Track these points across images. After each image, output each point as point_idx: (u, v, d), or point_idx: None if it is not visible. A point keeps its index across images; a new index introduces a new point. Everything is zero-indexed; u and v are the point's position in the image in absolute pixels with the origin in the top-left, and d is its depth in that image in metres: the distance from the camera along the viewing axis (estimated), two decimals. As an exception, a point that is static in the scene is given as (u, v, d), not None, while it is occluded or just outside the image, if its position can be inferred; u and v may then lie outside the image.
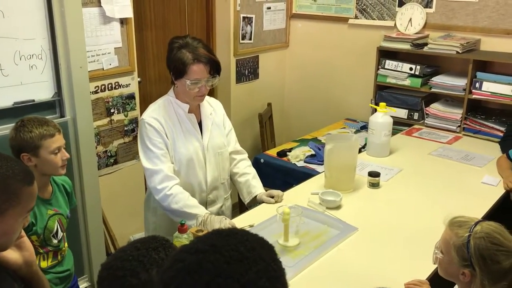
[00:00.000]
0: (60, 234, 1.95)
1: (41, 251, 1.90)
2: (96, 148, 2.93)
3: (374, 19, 3.82)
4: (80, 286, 2.69)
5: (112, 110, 3.04)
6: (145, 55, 3.36)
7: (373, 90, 3.68)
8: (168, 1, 3.46)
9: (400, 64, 3.51)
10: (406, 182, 2.61)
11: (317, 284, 1.77)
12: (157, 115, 2.14)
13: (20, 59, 2.33)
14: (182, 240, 1.83)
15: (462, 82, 3.28)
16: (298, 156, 3.23)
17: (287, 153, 3.29)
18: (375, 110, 2.96)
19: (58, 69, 2.47)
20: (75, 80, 2.51)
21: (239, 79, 3.93)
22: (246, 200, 2.38)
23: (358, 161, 2.59)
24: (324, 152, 2.52)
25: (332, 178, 2.47)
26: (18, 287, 1.34)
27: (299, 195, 2.41)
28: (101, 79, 2.93)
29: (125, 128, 3.14)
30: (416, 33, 3.58)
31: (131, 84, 3.11)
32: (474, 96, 3.25)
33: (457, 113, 3.37)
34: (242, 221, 2.15)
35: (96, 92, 2.92)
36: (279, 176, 3.11)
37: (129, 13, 2.95)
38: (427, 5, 3.55)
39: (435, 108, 3.47)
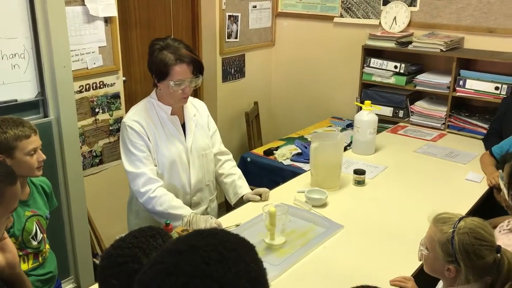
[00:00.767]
0: (39, 235, 1.90)
1: (20, 253, 1.83)
2: (81, 148, 2.90)
3: (359, 17, 3.84)
4: (66, 287, 2.68)
5: (97, 110, 3.02)
6: (130, 54, 3.34)
7: (359, 88, 3.70)
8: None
9: (385, 62, 3.53)
10: (391, 179, 2.63)
11: (303, 282, 1.77)
12: (138, 118, 2.12)
13: (2, 58, 2.30)
14: (167, 240, 1.82)
15: (446, 80, 3.32)
16: (284, 154, 3.24)
17: (274, 151, 3.30)
18: (361, 108, 2.98)
19: (41, 69, 2.44)
20: (58, 80, 2.48)
21: (225, 78, 3.92)
22: (233, 201, 2.37)
23: (344, 159, 2.60)
24: (309, 150, 2.52)
25: (318, 176, 2.48)
26: (0, 289, 1.33)
27: (285, 193, 2.42)
28: (85, 78, 2.91)
29: (110, 128, 3.11)
30: (400, 32, 3.60)
31: (116, 83, 3.08)
32: (458, 94, 3.28)
33: (441, 110, 3.40)
34: (228, 221, 2.15)
35: (80, 91, 2.90)
36: (266, 174, 3.12)
37: (113, 11, 2.92)
38: (412, 3, 3.57)
39: (420, 106, 3.50)
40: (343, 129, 3.75)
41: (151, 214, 2.12)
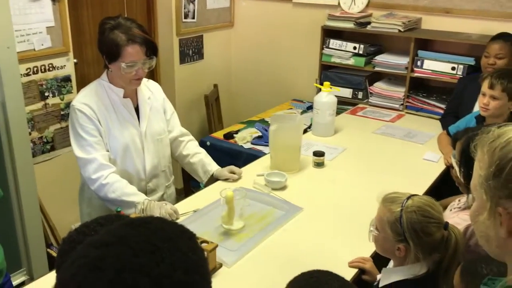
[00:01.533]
0: None
1: None
2: (30, 134, 2.76)
3: (318, -2, 3.79)
4: (17, 280, 2.56)
5: (46, 94, 2.87)
6: (81, 35, 3.19)
7: (318, 69, 3.68)
8: (104, -23, 3.29)
9: (344, 43, 3.51)
10: (350, 161, 2.63)
11: (263, 266, 1.74)
12: (88, 101, 2.02)
13: None
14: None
15: (404, 60, 3.33)
16: (245, 138, 3.19)
17: (234, 135, 3.24)
18: (320, 90, 2.95)
19: (-18, 50, 2.28)
20: (2, 62, 2.32)
21: (183, 60, 3.82)
22: (204, 179, 2.33)
23: (304, 141, 2.58)
24: (269, 133, 2.48)
25: (277, 159, 2.44)
26: None
27: (245, 177, 2.37)
28: (33, 60, 2.75)
29: (62, 113, 2.98)
30: (359, 12, 3.58)
31: (67, 65, 2.94)
32: (416, 74, 3.30)
33: (399, 91, 3.42)
34: (185, 206, 2.09)
35: (27, 74, 2.74)
36: (226, 158, 3.06)
37: (61, -11, 2.77)
38: (370, -16, 3.55)
39: (379, 87, 3.51)
40: (303, 112, 3.73)
41: (103, 201, 2.03)
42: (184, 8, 3.69)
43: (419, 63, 3.27)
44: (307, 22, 3.85)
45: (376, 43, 3.58)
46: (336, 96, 2.96)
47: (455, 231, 1.40)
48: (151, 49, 2.00)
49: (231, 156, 3.09)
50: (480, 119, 2.50)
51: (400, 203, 1.40)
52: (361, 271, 1.72)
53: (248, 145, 3.12)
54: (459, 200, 1.95)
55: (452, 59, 3.18)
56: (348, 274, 1.67)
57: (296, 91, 4.07)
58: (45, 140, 2.92)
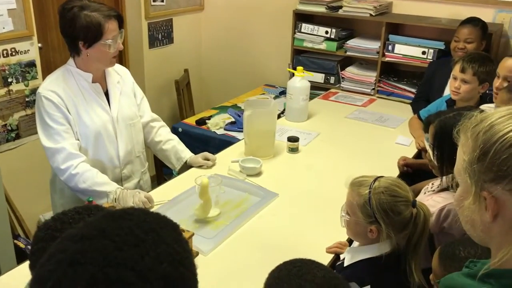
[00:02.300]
0: None
1: None
2: (-7, 122, 2.65)
3: (289, -19, 3.75)
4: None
5: (9, 80, 2.75)
6: (46, 18, 3.06)
7: (291, 54, 3.65)
8: (68, -42, 3.15)
9: (316, 27, 3.49)
10: (324, 146, 2.63)
11: (240, 253, 1.72)
12: (55, 88, 1.94)
13: None
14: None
15: (375, 45, 3.34)
16: (217, 124, 3.15)
17: (206, 121, 3.20)
18: (293, 75, 2.93)
19: None
20: (-40, 46, 2.22)
21: (152, 44, 3.72)
22: (177, 166, 2.29)
23: (278, 127, 2.56)
24: (243, 119, 2.45)
25: (251, 144, 2.42)
26: None
27: (219, 163, 2.34)
28: (-6, 44, 2.63)
29: (27, 99, 2.86)
30: (331, -4, 3.56)
31: (31, 50, 2.82)
32: (387, 59, 3.32)
33: (371, 76, 3.44)
34: (159, 194, 2.04)
35: (-11, 59, 2.62)
36: (199, 145, 3.02)
37: (22, -30, 2.64)
38: (342, -33, 3.53)
39: (350, 71, 3.52)
40: (276, 97, 3.71)
41: (74, 192, 1.97)
42: (153, -9, 3.58)
43: (390, 47, 3.29)
44: (279, 5, 3.81)
45: (347, 27, 3.58)
46: (308, 81, 2.94)
47: (424, 208, 1.43)
48: (121, 22, 1.98)
49: (203, 143, 3.05)
50: (451, 103, 2.53)
51: (368, 186, 1.42)
52: (338, 257, 1.72)
53: (221, 131, 3.08)
54: (432, 184, 1.98)
55: (422, 44, 3.21)
56: (325, 259, 1.67)
57: (268, 76, 4.04)
58: (9, 128, 2.80)
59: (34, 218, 3.12)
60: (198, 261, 1.67)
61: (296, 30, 3.56)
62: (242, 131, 2.71)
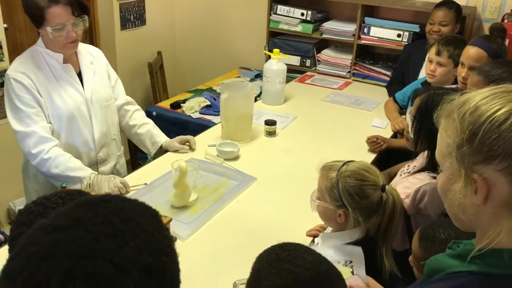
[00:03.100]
0: None
1: None
2: (-42, 106, 2.53)
3: (264, -38, 3.69)
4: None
5: (-26, 62, 2.63)
6: (11, -2, 2.93)
7: (266, 36, 3.61)
8: None
9: (292, 9, 3.46)
10: (301, 129, 2.62)
11: (218, 238, 1.70)
12: (24, 69, 1.86)
13: None
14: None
15: (351, 27, 3.33)
16: (193, 107, 3.10)
17: (181, 104, 3.15)
18: (269, 57, 2.90)
19: None
20: None
21: (124, 26, 3.62)
22: (152, 151, 2.24)
23: (254, 110, 2.54)
24: (219, 102, 2.41)
25: (229, 128, 2.39)
26: None
27: (196, 148, 2.30)
28: (-44, 25, 2.50)
29: (-7, 82, 2.75)
30: (306, -22, 3.53)
31: (-4, 31, 2.70)
32: (362, 42, 3.32)
33: (347, 59, 3.43)
34: (134, 179, 2.00)
35: (-49, 40, 2.49)
36: (174, 129, 2.96)
37: None
38: None
39: (326, 54, 3.50)
40: (252, 80, 3.67)
41: (47, 177, 1.90)
42: (124, -30, 3.47)
43: (366, 30, 3.28)
44: (254, -13, 3.75)
45: (323, 9, 3.55)
46: (285, 63, 2.92)
47: (393, 193, 1.43)
48: (79, 8, 1.85)
49: (178, 127, 2.99)
50: (426, 86, 2.55)
51: (336, 170, 1.41)
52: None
53: (196, 115, 3.04)
54: (408, 166, 1.99)
55: (398, 26, 3.21)
56: (304, 242, 1.66)
57: (244, 58, 3.99)
58: (-25, 112, 2.69)
59: (5, 204, 3.03)
60: (176, 246, 1.63)
61: (272, 12, 3.52)
62: (218, 115, 2.67)
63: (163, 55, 3.97)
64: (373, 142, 2.36)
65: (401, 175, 1.98)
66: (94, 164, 2.04)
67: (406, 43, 3.17)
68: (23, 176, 2.10)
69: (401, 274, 1.43)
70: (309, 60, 3.55)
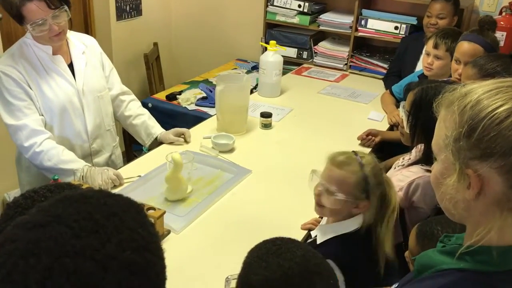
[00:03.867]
0: None
1: None
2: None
3: (262, -48, 3.66)
4: None
5: (-33, 52, 2.61)
6: (5, -13, 2.89)
7: (263, 28, 3.59)
8: None
9: (289, 1, 3.43)
10: (297, 121, 2.61)
11: (213, 231, 1.70)
12: (13, 63, 1.83)
13: None
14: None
15: (348, 19, 3.31)
16: (188, 99, 3.08)
17: (177, 96, 3.13)
18: (266, 49, 2.88)
19: None
20: None
21: (120, 16, 3.59)
22: (147, 142, 2.23)
23: (250, 102, 2.52)
24: (215, 94, 2.40)
25: (224, 120, 2.37)
26: None
27: (191, 140, 2.29)
28: (-52, 14, 2.47)
29: (-13, 73, 2.72)
30: (304, -31, 3.49)
31: (-11, 21, 2.67)
32: (360, 34, 3.30)
33: (344, 51, 3.41)
34: (129, 171, 1.99)
35: None
36: (169, 121, 2.94)
37: None
38: None
39: (323, 46, 3.48)
40: (248, 72, 3.65)
41: (40, 170, 1.89)
42: (120, -40, 3.44)
43: (363, 22, 3.26)
44: (251, -22, 3.72)
45: (320, 1, 3.53)
46: (281, 55, 2.90)
47: (390, 183, 1.47)
48: (56, 0, 1.76)
49: (174, 118, 2.98)
50: (421, 79, 2.53)
51: (357, 163, 1.42)
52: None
53: (192, 107, 3.02)
54: (402, 158, 1.99)
55: (395, 19, 3.19)
56: (299, 235, 1.66)
57: (240, 50, 3.97)
58: (-32, 103, 2.67)
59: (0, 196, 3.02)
60: (170, 239, 1.63)
61: (269, 3, 3.49)
62: (213, 107, 2.66)
63: (159, 46, 3.94)
64: (364, 139, 2.35)
65: (395, 167, 1.97)
66: (88, 156, 2.03)
67: (404, 35, 3.15)
68: (17, 168, 2.09)
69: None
70: (306, 52, 3.53)
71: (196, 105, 3.03)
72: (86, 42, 2.05)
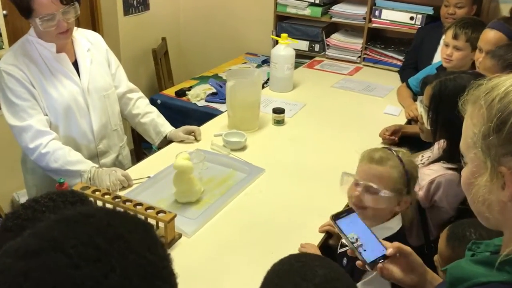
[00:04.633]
0: None
1: None
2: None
3: None
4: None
5: (-28, 50, 2.55)
6: (10, -17, 2.83)
7: (273, 21, 3.50)
8: None
9: (300, -8, 3.34)
10: (310, 117, 2.52)
11: (225, 234, 1.62)
12: (16, 62, 1.77)
13: None
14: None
15: (362, 10, 3.21)
16: (198, 95, 3.01)
17: (186, 92, 3.06)
18: (277, 43, 2.80)
19: None
20: None
21: (127, 11, 3.52)
22: (156, 141, 2.17)
23: (262, 98, 2.44)
24: (226, 90, 2.32)
25: (235, 117, 2.30)
26: None
27: (201, 138, 2.22)
28: (-48, 11, 2.42)
29: (-8, 71, 2.67)
30: (315, -41, 3.39)
31: (-6, 17, 2.61)
32: (373, 25, 3.20)
33: (357, 43, 3.31)
34: (137, 172, 1.92)
35: None
36: (179, 118, 2.88)
37: None
38: None
39: (336, 38, 3.39)
40: (258, 66, 3.57)
41: (46, 172, 1.83)
42: (126, -47, 3.36)
43: (377, 13, 3.16)
44: (260, -31, 3.63)
45: (332, -8, 3.43)
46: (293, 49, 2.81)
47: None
48: None
49: (184, 115, 2.91)
50: (442, 71, 2.44)
51: (396, 158, 1.42)
52: (328, 235, 1.63)
53: (202, 103, 2.95)
54: (422, 156, 1.91)
55: (410, 9, 3.08)
56: (315, 239, 1.59)
57: (250, 44, 3.88)
58: (-25, 102, 2.62)
59: (7, 196, 2.98)
60: (181, 243, 1.57)
61: (279, -5, 3.41)
62: (224, 102, 2.59)
63: (167, 41, 3.86)
64: (387, 139, 2.25)
65: (414, 166, 1.89)
66: (95, 157, 1.97)
67: (419, 26, 3.04)
68: (22, 170, 2.04)
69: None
70: (318, 45, 3.43)
71: (206, 101, 2.96)
72: (91, 39, 1.99)
